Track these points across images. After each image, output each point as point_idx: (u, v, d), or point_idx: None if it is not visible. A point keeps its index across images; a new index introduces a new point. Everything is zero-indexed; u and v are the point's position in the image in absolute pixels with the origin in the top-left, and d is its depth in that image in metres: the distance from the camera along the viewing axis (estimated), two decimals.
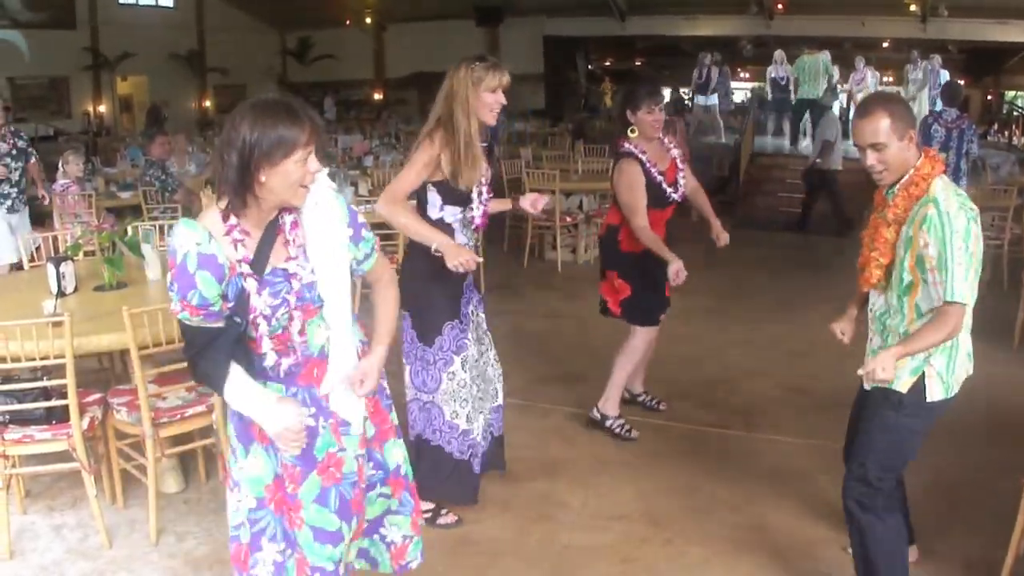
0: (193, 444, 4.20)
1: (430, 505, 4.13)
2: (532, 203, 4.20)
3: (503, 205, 4.31)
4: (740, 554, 3.90)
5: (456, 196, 3.85)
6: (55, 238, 5.69)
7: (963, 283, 2.95)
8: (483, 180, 3.95)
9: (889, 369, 2.89)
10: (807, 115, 15.77)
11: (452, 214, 3.90)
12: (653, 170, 4.79)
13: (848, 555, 3.62)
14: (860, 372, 2.94)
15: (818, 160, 11.69)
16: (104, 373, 5.52)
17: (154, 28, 21.13)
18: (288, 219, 2.52)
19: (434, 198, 3.87)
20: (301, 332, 2.56)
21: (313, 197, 2.49)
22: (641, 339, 5.08)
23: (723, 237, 4.91)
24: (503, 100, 3.82)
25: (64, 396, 3.69)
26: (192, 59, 22.81)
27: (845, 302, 3.69)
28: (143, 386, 3.75)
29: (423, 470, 4.02)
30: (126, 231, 4.95)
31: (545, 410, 5.46)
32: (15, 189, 7.46)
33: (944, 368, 3.13)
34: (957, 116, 8.40)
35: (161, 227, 5.91)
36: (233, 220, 2.43)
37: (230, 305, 2.45)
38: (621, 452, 4.92)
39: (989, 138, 17.46)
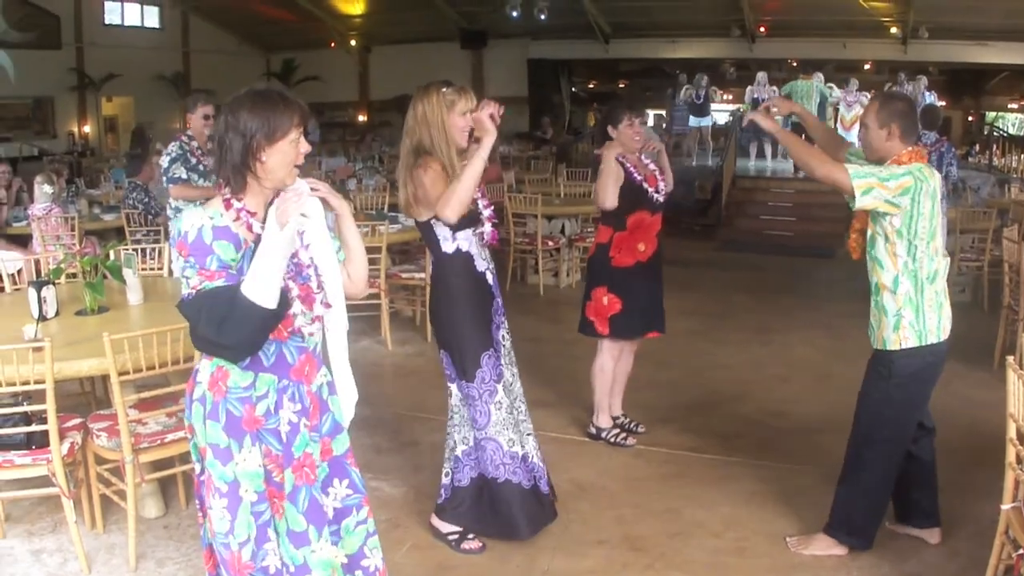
0: (173, 469, 4.20)
1: (455, 528, 4.14)
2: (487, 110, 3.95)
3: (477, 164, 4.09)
4: None
5: (462, 220, 3.83)
6: (37, 262, 5.68)
7: (864, 180, 3.59)
8: (481, 196, 3.99)
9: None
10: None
11: (466, 238, 3.91)
12: (634, 171, 5.00)
13: None
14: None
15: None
16: (86, 397, 5.51)
17: (140, 49, 21.08)
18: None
19: (443, 231, 3.86)
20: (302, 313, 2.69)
21: (304, 187, 2.65)
22: (608, 354, 5.28)
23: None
24: (472, 124, 3.84)
25: (44, 421, 3.68)
26: (177, 80, 22.78)
27: (827, 326, 3.80)
28: (123, 411, 3.74)
29: (488, 510, 4.07)
30: (108, 255, 4.95)
31: None
32: None
33: (914, 318, 3.68)
34: (936, 139, 8.48)
35: (143, 251, 5.92)
36: (238, 204, 2.60)
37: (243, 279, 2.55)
38: (601, 477, 4.92)
39: (970, 159, 17.55)
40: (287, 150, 2.60)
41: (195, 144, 6.37)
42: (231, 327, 2.47)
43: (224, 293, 2.50)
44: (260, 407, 2.66)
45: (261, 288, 2.48)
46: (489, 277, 4.01)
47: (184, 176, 6.22)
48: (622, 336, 5.25)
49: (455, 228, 3.86)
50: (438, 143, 3.79)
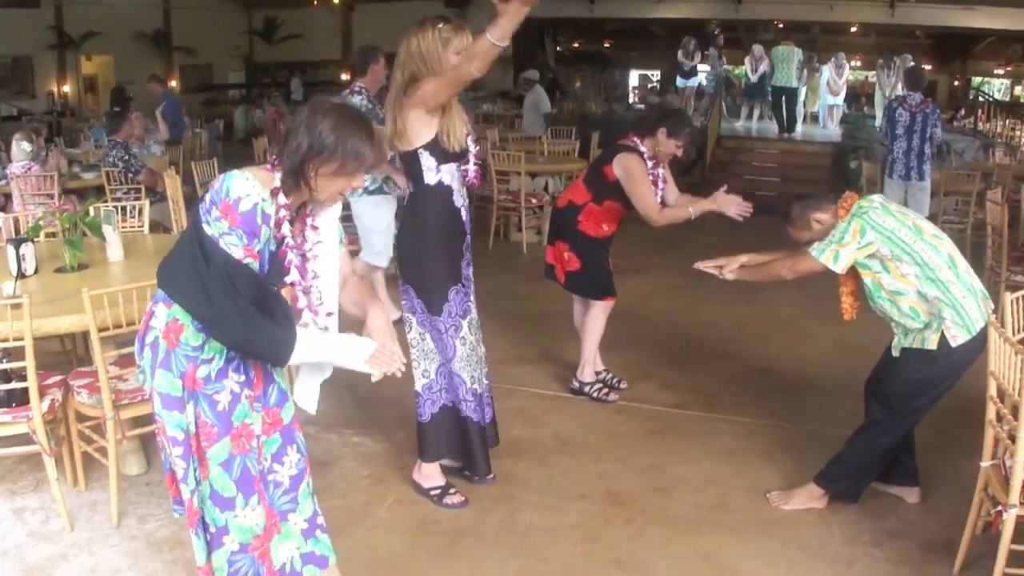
0: (154, 426, 4.17)
1: (439, 482, 4.18)
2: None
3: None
4: (701, 533, 3.94)
5: (449, 153, 3.82)
6: (16, 219, 5.63)
7: (827, 252, 3.75)
8: (469, 133, 3.95)
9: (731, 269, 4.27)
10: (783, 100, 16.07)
11: (449, 171, 3.87)
12: (650, 176, 5.02)
13: (802, 540, 3.87)
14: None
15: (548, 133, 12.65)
16: (67, 355, 5.48)
17: (119, 7, 20.85)
18: (308, 206, 2.70)
19: (428, 161, 3.81)
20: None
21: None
22: (601, 310, 5.29)
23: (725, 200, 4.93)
24: None
25: (24, 379, 3.67)
26: (158, 38, 22.57)
27: (809, 285, 3.85)
28: (103, 368, 3.73)
29: (444, 440, 4.15)
30: (87, 212, 4.91)
31: (508, 391, 5.46)
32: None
33: (955, 315, 3.62)
34: (921, 100, 8.46)
35: (123, 208, 5.87)
36: (283, 199, 2.55)
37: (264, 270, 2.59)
38: (584, 433, 4.94)
39: (955, 123, 17.60)
40: (341, 184, 2.56)
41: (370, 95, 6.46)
42: (258, 322, 2.49)
43: (268, 292, 2.59)
44: (202, 370, 2.63)
45: (303, 356, 2.63)
46: (463, 214, 3.97)
47: None
48: (578, 293, 5.37)
49: (439, 162, 3.82)
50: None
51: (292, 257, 2.63)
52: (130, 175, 8.37)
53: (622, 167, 4.97)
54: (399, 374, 2.73)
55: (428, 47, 3.70)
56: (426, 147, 3.79)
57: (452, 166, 3.88)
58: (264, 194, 2.50)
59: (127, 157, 8.43)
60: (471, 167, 4.01)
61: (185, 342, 2.60)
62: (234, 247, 2.45)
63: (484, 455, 4.21)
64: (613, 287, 5.29)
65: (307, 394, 2.95)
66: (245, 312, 2.46)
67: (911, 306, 3.71)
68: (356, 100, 6.35)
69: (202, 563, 2.75)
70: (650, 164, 5.01)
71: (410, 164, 3.88)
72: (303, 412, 2.96)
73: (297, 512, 2.91)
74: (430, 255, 3.92)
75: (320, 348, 2.67)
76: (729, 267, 4.25)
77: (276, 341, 2.54)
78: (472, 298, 4.07)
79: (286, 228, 2.57)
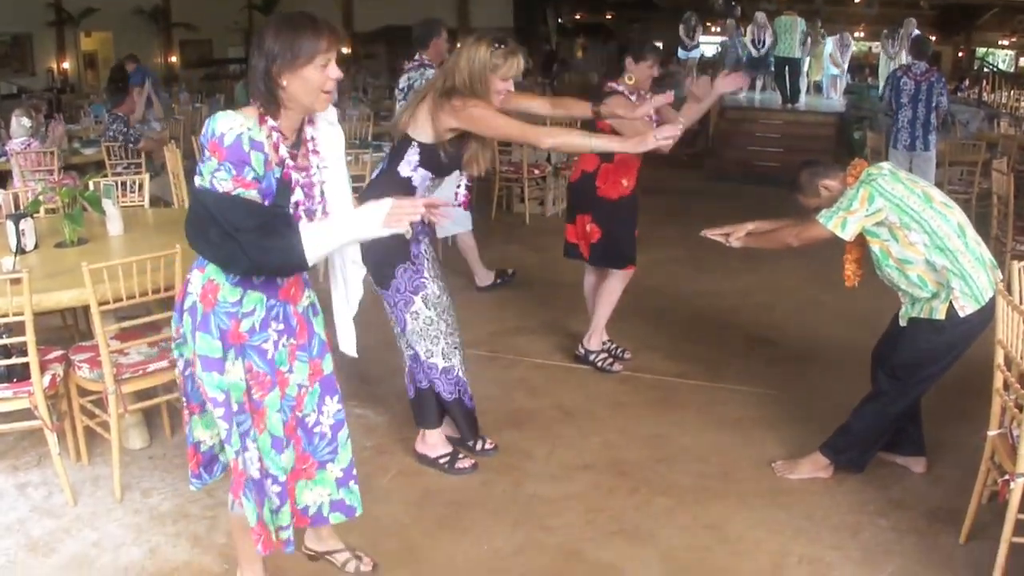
0: (157, 399, 4.17)
1: (447, 450, 4.19)
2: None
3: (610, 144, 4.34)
4: (706, 502, 3.93)
5: (436, 164, 3.80)
6: (16, 195, 5.61)
7: (835, 219, 3.72)
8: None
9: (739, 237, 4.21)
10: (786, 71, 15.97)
11: (421, 177, 3.83)
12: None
13: (808, 510, 3.87)
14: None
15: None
16: (68, 330, 5.47)
17: None
18: (309, 132, 2.73)
19: (412, 157, 3.78)
20: None
21: (331, 117, 2.77)
22: (619, 279, 5.26)
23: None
24: (511, 87, 3.79)
25: (25, 354, 3.66)
26: (157, 14, 22.44)
27: (812, 255, 3.81)
28: (104, 342, 3.72)
29: (431, 413, 4.17)
30: (87, 186, 4.89)
31: (511, 361, 5.46)
32: None
33: (964, 284, 3.60)
34: (926, 69, 8.41)
35: (123, 183, 5.85)
36: (272, 122, 2.58)
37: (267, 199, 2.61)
38: (587, 403, 4.93)
39: (960, 94, 17.50)
40: (310, 76, 2.54)
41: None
42: (259, 245, 2.52)
43: (267, 212, 2.58)
44: (245, 323, 2.69)
45: (319, 248, 2.61)
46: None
47: None
48: (599, 264, 5.30)
49: (420, 164, 3.78)
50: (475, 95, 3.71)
51: (296, 176, 2.65)
52: (129, 145, 8.38)
53: (607, 111, 4.89)
54: (428, 217, 2.79)
55: (476, 66, 3.68)
56: (421, 145, 3.77)
57: (428, 174, 3.83)
58: (249, 123, 2.53)
59: (126, 131, 8.45)
60: (461, 190, 4.10)
61: (223, 300, 2.65)
62: (224, 181, 2.49)
63: (467, 424, 4.22)
64: (634, 256, 5.26)
65: (346, 337, 3.06)
66: (244, 242, 2.50)
67: (919, 275, 3.68)
68: (430, 73, 6.12)
69: (254, 523, 2.79)
70: (634, 99, 4.91)
71: (399, 147, 3.85)
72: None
73: (335, 462, 3.01)
74: None
75: (334, 231, 2.66)
76: (736, 235, 4.21)
77: (281, 249, 2.56)
78: (428, 275, 3.97)
79: (284, 150, 2.61)
